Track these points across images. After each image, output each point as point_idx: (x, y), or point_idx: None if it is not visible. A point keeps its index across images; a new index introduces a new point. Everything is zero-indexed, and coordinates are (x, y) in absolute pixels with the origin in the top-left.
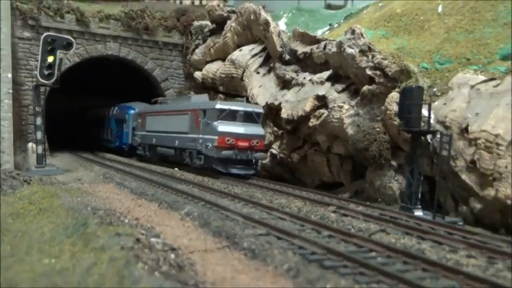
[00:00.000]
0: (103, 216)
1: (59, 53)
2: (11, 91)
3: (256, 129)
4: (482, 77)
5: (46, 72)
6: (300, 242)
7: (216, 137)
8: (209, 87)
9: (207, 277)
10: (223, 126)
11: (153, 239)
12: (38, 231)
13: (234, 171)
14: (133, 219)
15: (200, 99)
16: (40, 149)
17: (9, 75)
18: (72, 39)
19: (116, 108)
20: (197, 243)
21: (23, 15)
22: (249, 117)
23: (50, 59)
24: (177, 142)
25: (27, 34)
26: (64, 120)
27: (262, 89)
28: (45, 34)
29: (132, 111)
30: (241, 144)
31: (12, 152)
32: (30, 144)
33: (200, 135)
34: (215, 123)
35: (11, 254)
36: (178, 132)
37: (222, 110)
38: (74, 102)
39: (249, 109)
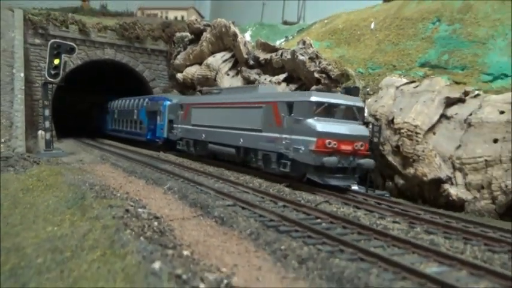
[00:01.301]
0: (98, 191)
1: (64, 57)
2: (23, 87)
3: (359, 129)
4: (405, 80)
5: (53, 72)
6: (260, 211)
7: (314, 139)
8: (189, 86)
9: (184, 240)
10: (323, 125)
11: (140, 210)
12: (44, 204)
13: (333, 182)
14: (124, 193)
15: (269, 89)
16: (48, 136)
17: (22, 74)
18: (75, 45)
19: (147, 100)
20: (176, 212)
21: (34, 25)
22: (349, 113)
23: (56, 61)
24: (241, 140)
25: (37, 41)
26: (72, 113)
27: None
28: (52, 41)
29: (167, 103)
30: (344, 148)
31: (24, 137)
32: (40, 132)
33: (285, 135)
34: (310, 120)
35: (20, 223)
36: (245, 129)
37: (319, 104)
38: (80, 98)
39: (350, 102)
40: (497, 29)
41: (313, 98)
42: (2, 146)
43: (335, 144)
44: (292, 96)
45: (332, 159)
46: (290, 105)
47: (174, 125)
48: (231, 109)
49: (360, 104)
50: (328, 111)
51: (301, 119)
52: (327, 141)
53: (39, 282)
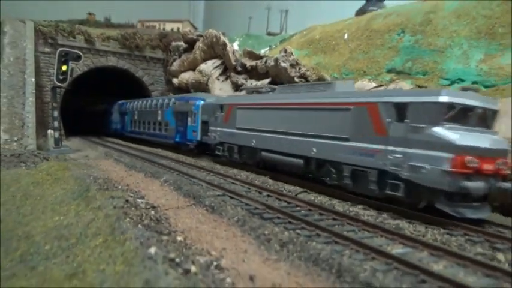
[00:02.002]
0: (102, 183)
1: (71, 63)
2: (34, 91)
3: (498, 141)
4: (374, 84)
5: (61, 78)
6: (246, 200)
7: (450, 156)
8: (184, 90)
9: (178, 227)
10: (462, 136)
11: (138, 200)
12: (52, 196)
13: (471, 214)
14: (125, 186)
15: (348, 87)
16: (57, 134)
17: (33, 79)
18: (81, 53)
19: (173, 100)
20: (172, 202)
21: (44, 35)
22: (483, 119)
23: (64, 67)
24: (314, 150)
25: (47, 49)
26: (79, 114)
27: (221, 91)
28: (60, 49)
29: (200, 103)
30: (486, 167)
31: (35, 136)
32: (49, 131)
33: (392, 148)
34: (440, 129)
35: (30, 213)
36: (321, 137)
37: (451, 106)
38: (87, 100)
39: (488, 105)
40: (454, 39)
41: (444, 98)
42: (15, 144)
43: (477, 162)
44: (405, 95)
45: (478, 185)
46: (402, 108)
47: (211, 128)
48: (298, 111)
49: (496, 107)
50: (461, 116)
51: (423, 126)
52: (467, 158)
53: (47, 266)
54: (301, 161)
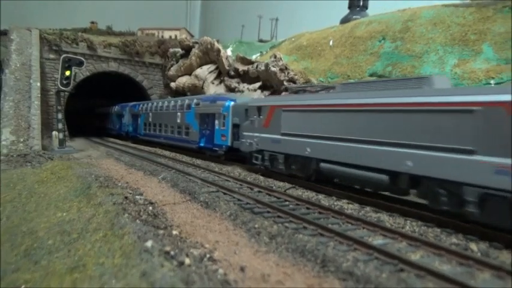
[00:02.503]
0: (103, 181)
1: (74, 69)
2: (39, 95)
3: None
4: None
5: (64, 82)
6: (238, 196)
7: None
8: (181, 93)
9: (174, 221)
10: None
11: (137, 197)
12: (56, 193)
13: None
14: (124, 183)
15: (444, 81)
16: (61, 135)
17: (38, 84)
18: (83, 59)
19: (195, 100)
20: (168, 198)
21: (49, 42)
22: None
23: (67, 73)
24: (409, 164)
25: (51, 56)
26: (89, 117)
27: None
28: (63, 55)
29: (231, 104)
30: None
31: (40, 137)
32: (54, 132)
33: None
34: None
35: (35, 210)
36: (423, 147)
37: None
38: (91, 102)
39: None
40: (430, 45)
41: None
42: (21, 144)
43: None
44: None
45: None
46: None
47: (245, 133)
48: (381, 114)
49: None
50: None
51: None
52: None
53: (50, 260)
54: (385, 177)
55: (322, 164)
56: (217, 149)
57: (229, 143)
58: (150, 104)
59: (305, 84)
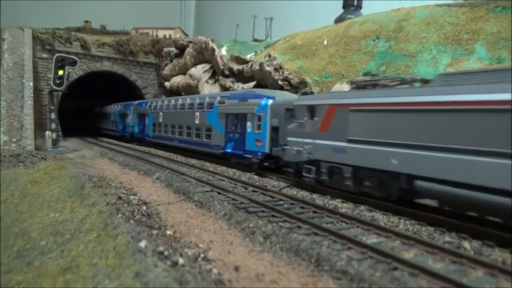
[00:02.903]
0: (96, 181)
1: (67, 68)
2: (32, 95)
3: None
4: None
5: (58, 82)
6: (233, 196)
7: None
8: (175, 93)
9: (168, 221)
10: None
11: (131, 197)
12: (49, 194)
13: None
14: (118, 183)
15: None
16: (54, 135)
17: (31, 83)
18: (77, 59)
19: (218, 97)
20: (163, 198)
21: (41, 42)
22: None
23: (61, 72)
24: None
25: (45, 55)
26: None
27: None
28: (56, 55)
29: (269, 102)
30: None
31: (33, 137)
32: (47, 132)
33: None
34: None
35: (28, 210)
36: None
37: None
38: (85, 102)
39: None
40: (424, 45)
41: None
42: (14, 144)
43: None
44: None
45: None
46: None
47: (291, 138)
48: None
49: None
50: None
51: None
52: None
53: (42, 261)
54: None
55: (419, 182)
56: (249, 156)
57: (266, 150)
58: (160, 102)
59: (371, 78)
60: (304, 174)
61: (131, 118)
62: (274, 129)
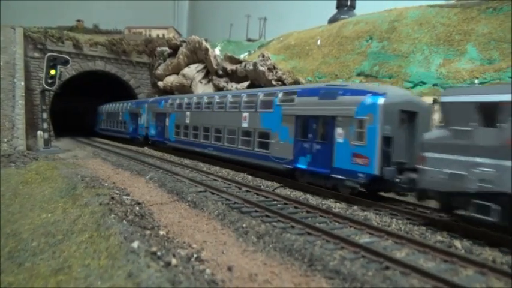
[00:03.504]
0: (89, 181)
1: (59, 68)
2: (23, 94)
3: None
4: None
5: (49, 81)
6: (226, 196)
7: None
8: (168, 92)
9: (161, 222)
10: None
11: (124, 197)
12: (40, 194)
13: None
14: (111, 183)
15: None
16: (46, 135)
17: (22, 83)
18: (69, 58)
19: (279, 95)
20: (156, 198)
21: (33, 41)
22: None
23: (52, 72)
24: None
25: (36, 54)
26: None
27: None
28: (48, 54)
29: (379, 101)
30: None
31: (24, 137)
32: (38, 132)
33: None
34: None
35: (19, 211)
36: None
37: None
38: (80, 102)
39: None
40: (416, 46)
41: None
42: (5, 145)
43: None
44: None
45: None
46: None
47: (432, 154)
48: None
49: None
50: None
51: None
52: None
53: (34, 262)
54: None
55: None
56: (342, 177)
57: (375, 171)
58: (186, 99)
59: None
60: (472, 214)
61: (145, 118)
62: (385, 140)
